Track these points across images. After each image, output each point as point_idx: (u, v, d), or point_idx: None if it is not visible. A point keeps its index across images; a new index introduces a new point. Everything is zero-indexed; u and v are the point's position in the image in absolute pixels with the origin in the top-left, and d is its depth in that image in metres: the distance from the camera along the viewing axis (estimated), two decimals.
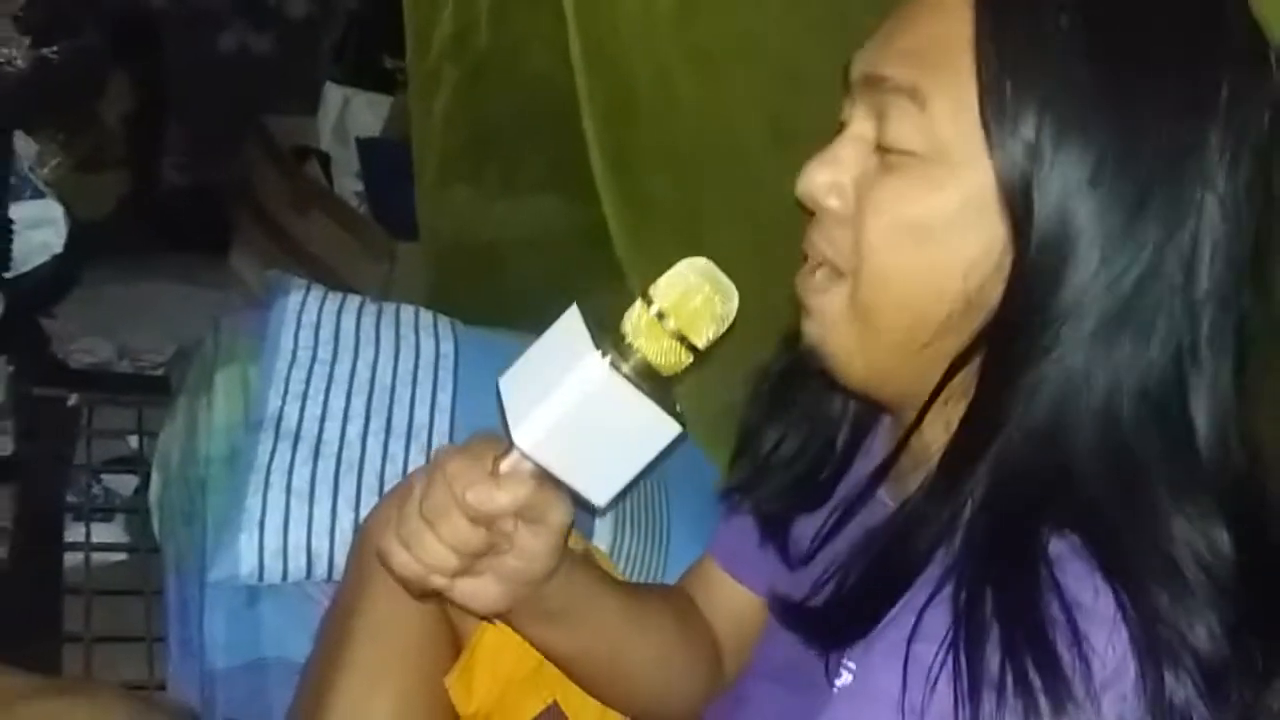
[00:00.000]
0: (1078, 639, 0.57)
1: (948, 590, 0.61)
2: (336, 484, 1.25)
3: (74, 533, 1.53)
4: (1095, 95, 0.62)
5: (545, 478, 0.71)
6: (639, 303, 0.69)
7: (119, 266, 2.23)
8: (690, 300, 0.68)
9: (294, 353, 1.35)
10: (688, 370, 0.70)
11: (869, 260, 0.68)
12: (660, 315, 0.68)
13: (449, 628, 0.93)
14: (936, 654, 0.59)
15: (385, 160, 2.22)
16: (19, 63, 1.24)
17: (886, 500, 0.73)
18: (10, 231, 1.36)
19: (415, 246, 1.88)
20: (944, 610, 0.60)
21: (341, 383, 1.33)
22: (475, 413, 1.33)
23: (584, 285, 1.71)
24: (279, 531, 1.21)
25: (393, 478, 1.26)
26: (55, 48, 1.33)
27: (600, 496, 0.72)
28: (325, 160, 2.33)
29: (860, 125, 0.70)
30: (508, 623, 0.83)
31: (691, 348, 0.69)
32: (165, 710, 1.15)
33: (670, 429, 0.69)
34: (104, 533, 1.63)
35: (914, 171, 0.66)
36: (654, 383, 0.69)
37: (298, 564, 1.21)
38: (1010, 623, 0.58)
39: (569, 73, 1.31)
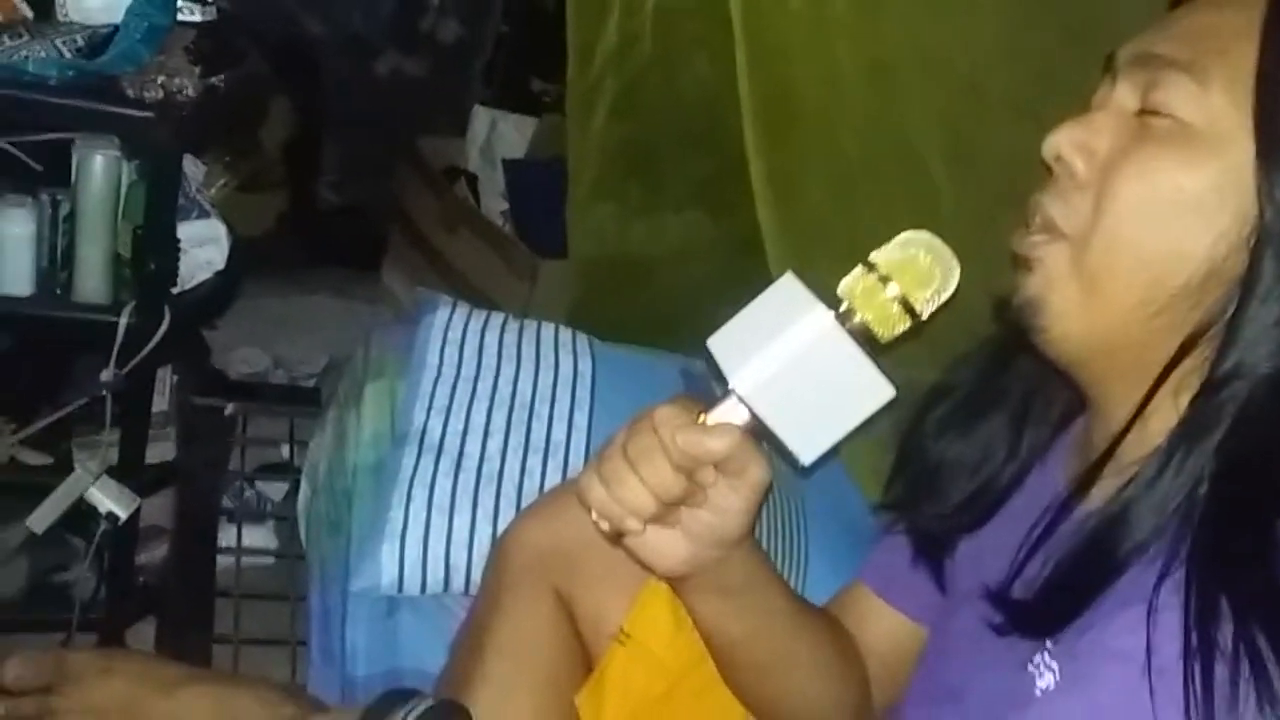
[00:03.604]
0: None
1: (1177, 573, 0.60)
2: (476, 497, 1.27)
3: (228, 536, 1.59)
4: None
5: (751, 433, 0.71)
6: (859, 268, 0.70)
7: (277, 281, 2.33)
8: (913, 266, 0.69)
9: (439, 369, 1.38)
10: (901, 339, 0.70)
11: (1109, 226, 0.68)
12: (883, 280, 0.69)
13: (581, 645, 0.93)
14: (1181, 620, 0.58)
15: (529, 180, 2.26)
16: (189, 92, 1.30)
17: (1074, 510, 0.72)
18: (178, 250, 1.42)
19: (556, 265, 1.91)
20: (1175, 592, 0.59)
21: (483, 399, 1.35)
22: (610, 432, 1.32)
23: (726, 302, 1.72)
24: (419, 543, 1.23)
25: (530, 493, 1.27)
26: (222, 76, 1.38)
27: (808, 454, 0.71)
28: (473, 180, 2.38)
29: (1121, 98, 0.71)
30: (682, 594, 0.82)
31: (911, 312, 0.69)
32: (317, 702, 1.18)
33: (886, 390, 0.69)
34: (255, 536, 1.70)
35: (1175, 141, 0.67)
36: (875, 343, 0.69)
37: (436, 576, 1.23)
38: (1247, 602, 0.57)
39: (729, 82, 1.30)
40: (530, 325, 1.47)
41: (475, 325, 1.44)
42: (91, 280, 1.36)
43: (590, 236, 1.70)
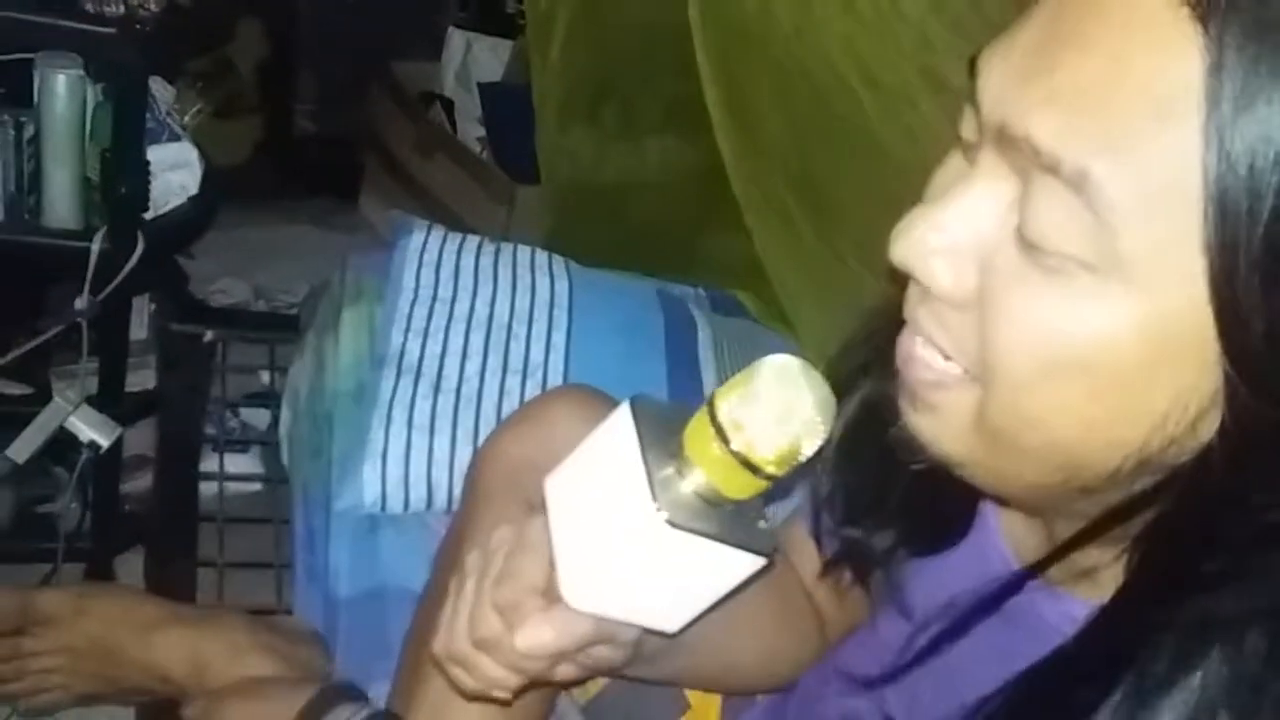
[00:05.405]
0: None
1: None
2: (456, 418, 1.27)
3: (212, 463, 1.59)
4: None
5: None
6: (702, 410, 0.54)
7: (256, 211, 2.30)
8: (761, 414, 0.52)
9: (415, 291, 1.38)
10: (771, 488, 0.55)
11: (1005, 396, 0.48)
12: (723, 435, 0.52)
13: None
14: None
15: (506, 104, 2.23)
16: (151, 7, 1.28)
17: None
18: (148, 173, 1.40)
19: (534, 190, 1.89)
20: None
21: (460, 320, 1.35)
22: (588, 353, 1.34)
23: (701, 226, 1.72)
24: (401, 462, 1.24)
25: (509, 412, 1.27)
26: None
27: (671, 626, 0.62)
28: (449, 105, 2.35)
29: (992, 180, 0.47)
30: None
31: (758, 472, 0.53)
32: (291, 635, 1.20)
33: (748, 564, 0.57)
34: (241, 464, 1.70)
35: (1071, 274, 0.44)
36: (729, 503, 0.55)
37: (418, 494, 1.24)
38: None
39: (682, 7, 1.29)
40: (506, 248, 1.47)
41: (451, 248, 1.43)
42: (61, 205, 1.34)
43: (565, 163, 1.69)
